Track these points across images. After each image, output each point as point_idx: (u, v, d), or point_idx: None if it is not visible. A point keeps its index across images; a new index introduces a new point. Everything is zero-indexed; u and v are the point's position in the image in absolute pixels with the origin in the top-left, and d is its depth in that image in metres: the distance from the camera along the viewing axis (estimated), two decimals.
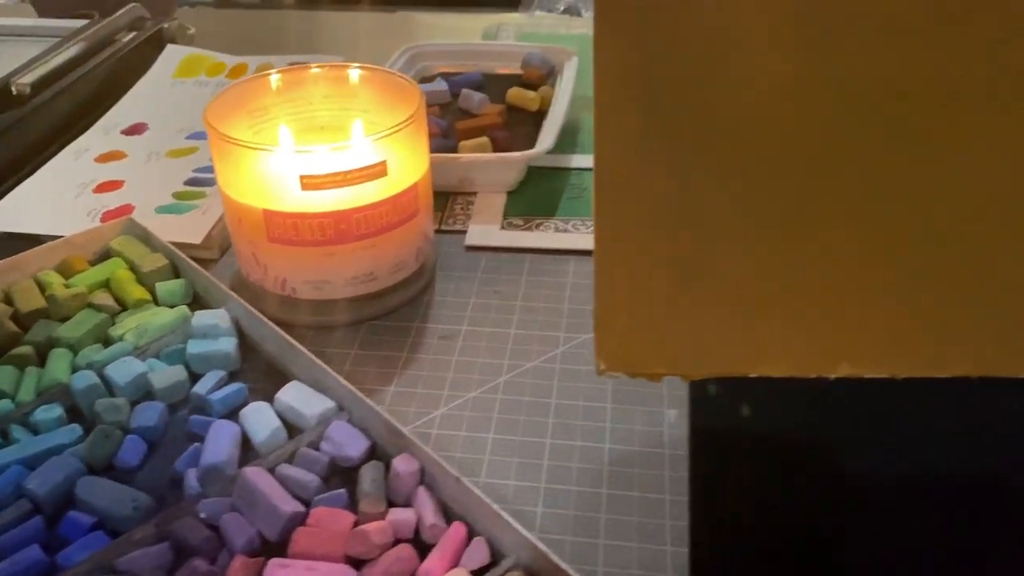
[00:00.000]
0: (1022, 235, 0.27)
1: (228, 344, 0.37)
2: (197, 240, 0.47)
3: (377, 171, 0.40)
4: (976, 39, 0.27)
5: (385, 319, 0.44)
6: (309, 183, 0.39)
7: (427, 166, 0.43)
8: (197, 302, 0.42)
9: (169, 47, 0.68)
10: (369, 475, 0.31)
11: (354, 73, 0.44)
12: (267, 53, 0.71)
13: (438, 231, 0.51)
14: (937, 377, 0.27)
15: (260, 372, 0.38)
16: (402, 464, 0.31)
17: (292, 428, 0.35)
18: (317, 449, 0.33)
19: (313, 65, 0.44)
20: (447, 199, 0.54)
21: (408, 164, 0.42)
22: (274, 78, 0.43)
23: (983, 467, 0.29)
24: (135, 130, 0.59)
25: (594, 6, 0.28)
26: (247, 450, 0.34)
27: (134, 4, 0.70)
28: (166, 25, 0.70)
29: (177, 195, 0.51)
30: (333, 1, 1.39)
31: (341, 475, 0.33)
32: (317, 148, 0.39)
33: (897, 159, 0.27)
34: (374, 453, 0.33)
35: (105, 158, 0.55)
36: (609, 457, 0.36)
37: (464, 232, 0.50)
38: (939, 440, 0.28)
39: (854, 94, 0.28)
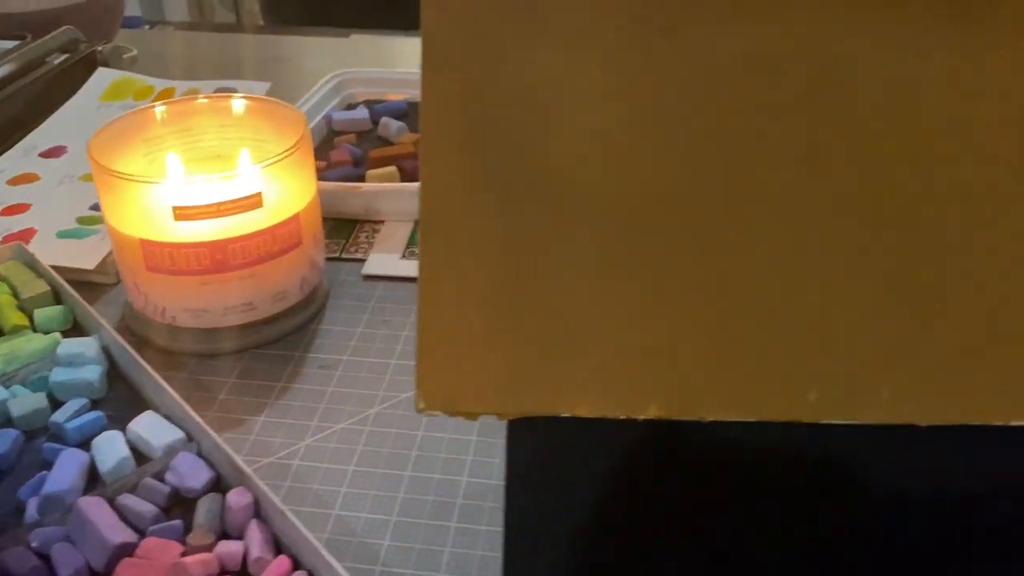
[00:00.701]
0: (821, 286, 0.28)
1: (93, 372, 0.37)
2: (91, 266, 0.47)
3: (252, 202, 0.40)
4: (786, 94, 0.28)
5: (269, 347, 0.44)
6: (182, 214, 0.39)
7: (312, 195, 0.44)
8: (76, 329, 0.42)
9: (100, 70, 0.69)
10: (205, 507, 0.32)
11: (239, 103, 0.44)
12: (206, 77, 0.72)
13: (339, 259, 0.51)
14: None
15: (124, 401, 0.38)
16: (235, 497, 0.31)
17: (143, 458, 0.35)
18: (162, 479, 0.33)
19: (200, 96, 0.44)
20: (354, 227, 0.54)
21: (289, 194, 0.42)
22: (159, 109, 0.44)
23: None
24: (53, 153, 0.60)
25: (422, 45, 0.29)
26: (94, 479, 0.34)
27: (67, 27, 0.71)
28: (100, 48, 0.71)
29: (80, 220, 0.51)
30: (303, 23, 1.40)
31: (184, 506, 0.33)
32: (190, 179, 0.40)
33: (712, 205, 0.28)
34: (218, 485, 0.33)
35: (16, 180, 0.56)
36: (465, 491, 0.37)
37: (364, 260, 0.51)
38: (746, 478, 0.29)
39: (670, 143, 0.28)
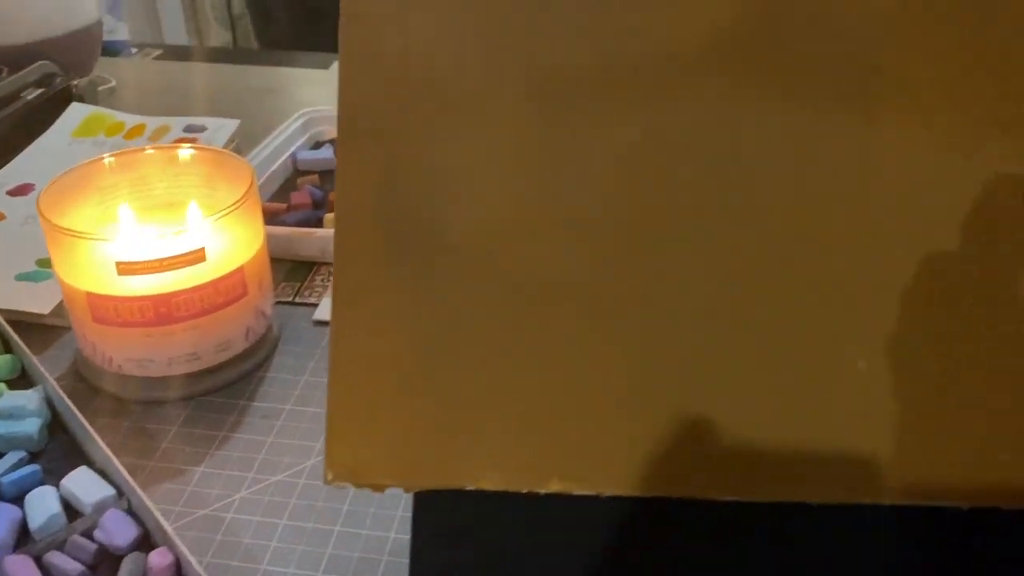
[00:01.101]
0: (719, 366, 0.28)
1: (32, 425, 0.38)
2: (45, 310, 0.48)
3: (195, 257, 0.41)
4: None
5: (215, 395, 0.45)
6: (126, 269, 0.40)
7: (260, 245, 0.45)
8: (24, 378, 0.43)
9: (73, 105, 0.70)
10: (127, 567, 0.32)
11: (187, 153, 0.45)
12: (182, 110, 0.73)
13: (292, 303, 0.52)
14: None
15: (62, 453, 0.39)
16: (157, 558, 0.32)
17: (75, 513, 0.36)
18: (91, 536, 0.34)
19: (148, 147, 0.45)
20: (310, 269, 0.55)
21: (233, 247, 0.43)
22: (108, 160, 0.45)
23: None
24: (21, 191, 0.61)
25: (338, 119, 0.30)
26: (26, 535, 0.35)
27: (43, 62, 0.72)
28: (75, 83, 0.72)
29: (40, 262, 0.52)
30: (293, 47, 1.41)
31: (111, 563, 0.34)
32: (133, 235, 0.40)
33: (610, 284, 0.29)
34: (145, 542, 0.34)
35: None
36: (391, 547, 0.38)
37: (317, 305, 0.52)
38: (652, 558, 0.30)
39: (571, 224, 0.29)
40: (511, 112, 0.30)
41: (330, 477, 0.30)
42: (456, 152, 0.30)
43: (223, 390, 0.45)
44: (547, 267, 0.29)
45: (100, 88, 0.78)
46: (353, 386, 0.30)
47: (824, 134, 0.29)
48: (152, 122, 0.69)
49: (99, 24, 0.81)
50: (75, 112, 0.69)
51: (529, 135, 0.29)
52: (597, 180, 0.29)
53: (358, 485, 0.30)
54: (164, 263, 0.41)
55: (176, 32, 1.91)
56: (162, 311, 0.42)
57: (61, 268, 0.42)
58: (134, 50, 1.23)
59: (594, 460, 0.29)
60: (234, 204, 0.42)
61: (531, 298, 0.29)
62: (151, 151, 0.45)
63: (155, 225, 0.45)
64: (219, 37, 2.01)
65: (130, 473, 0.41)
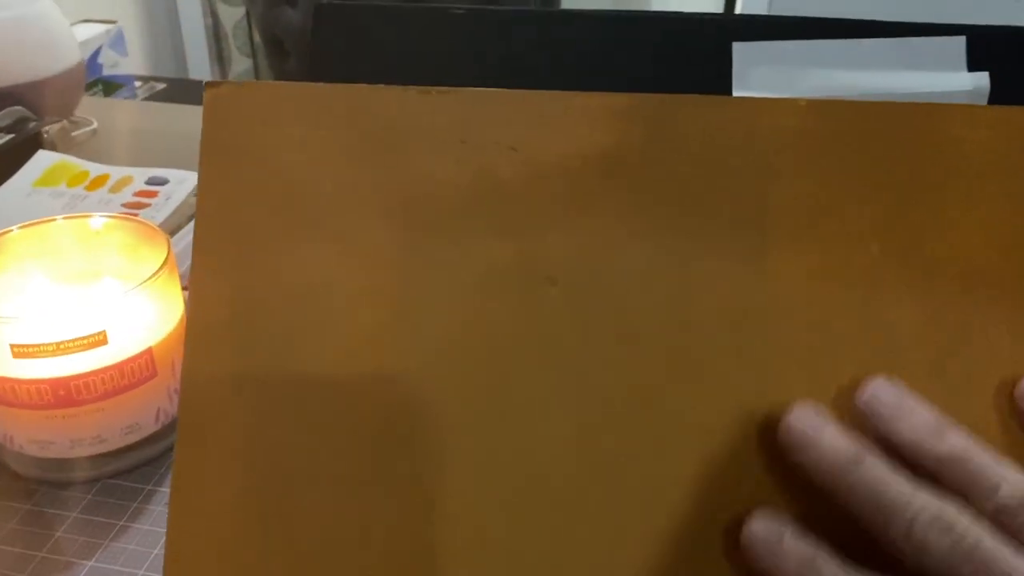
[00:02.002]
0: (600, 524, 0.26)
1: None
2: None
3: (94, 341, 0.39)
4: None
5: (123, 477, 0.43)
6: (20, 352, 0.39)
7: (176, 323, 0.43)
8: None
9: (40, 153, 0.69)
10: None
11: (99, 223, 0.44)
12: (156, 159, 0.72)
13: None
14: None
15: None
16: None
17: None
18: None
19: (59, 217, 0.44)
20: None
21: (142, 327, 0.41)
22: (15, 232, 0.43)
23: None
24: None
25: (194, 228, 0.28)
26: None
27: (15, 107, 0.71)
28: (46, 129, 0.72)
29: None
30: (305, 77, 1.41)
31: None
32: (30, 316, 0.39)
33: (479, 424, 0.27)
34: None
35: None
36: None
37: None
38: None
39: (431, 352, 0.27)
40: (372, 233, 0.28)
41: None
42: (313, 274, 0.28)
43: (131, 472, 0.44)
44: (405, 398, 0.27)
45: (79, 132, 0.78)
46: (191, 529, 0.28)
47: (709, 267, 0.26)
48: (116, 172, 0.68)
49: (80, 67, 0.80)
50: (41, 160, 0.69)
51: (390, 256, 0.27)
52: (463, 304, 0.27)
53: None
54: (60, 347, 0.39)
55: (201, 63, 1.93)
56: (61, 394, 0.40)
57: None
58: (137, 83, 1.24)
59: None
60: (142, 282, 0.41)
61: (385, 430, 0.27)
62: (62, 221, 0.44)
63: (62, 302, 0.43)
64: (240, 64, 2.03)
65: (18, 566, 0.39)
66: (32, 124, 0.72)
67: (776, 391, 0.26)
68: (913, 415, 0.24)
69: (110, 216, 0.44)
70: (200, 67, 1.88)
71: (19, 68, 0.74)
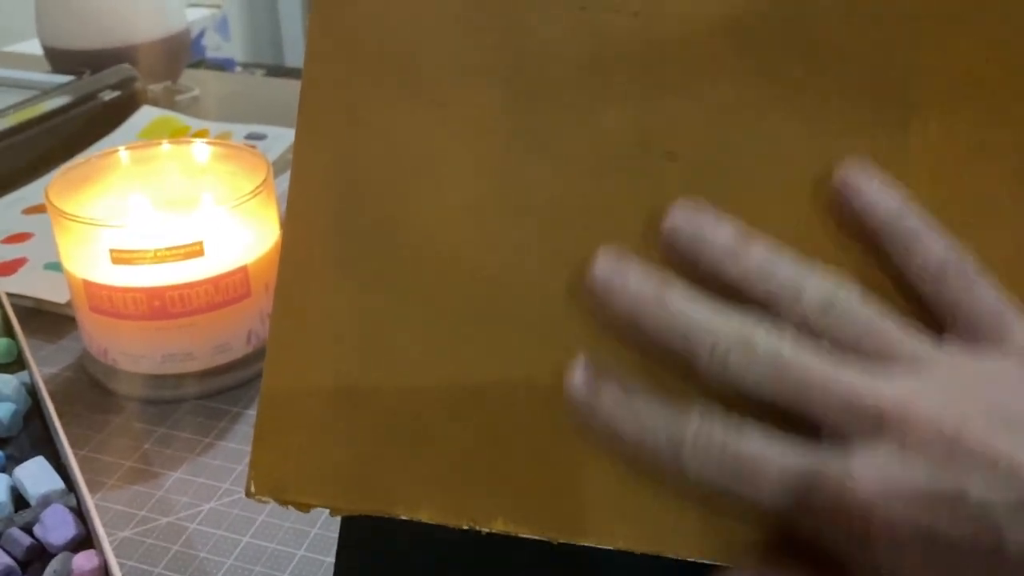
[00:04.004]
0: None
1: (5, 410, 0.37)
2: (62, 300, 0.47)
3: (191, 251, 0.39)
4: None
5: (210, 399, 0.43)
6: (119, 258, 0.39)
7: (272, 245, 0.43)
8: (18, 362, 0.42)
9: (144, 108, 0.71)
10: (53, 567, 0.30)
11: (205, 149, 0.44)
12: (255, 121, 0.73)
13: None
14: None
15: (32, 442, 0.37)
16: (82, 560, 0.30)
17: (25, 504, 0.34)
18: (30, 530, 0.32)
19: (164, 141, 0.44)
20: None
21: (238, 244, 0.41)
22: (123, 154, 0.44)
23: None
24: None
25: (299, 104, 0.27)
26: None
27: (123, 65, 0.73)
28: (151, 88, 0.73)
29: None
30: None
31: (44, 561, 0.31)
32: (131, 224, 0.39)
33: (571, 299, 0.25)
34: (86, 542, 0.32)
35: (31, 210, 0.58)
36: None
37: None
38: None
39: (539, 228, 0.25)
40: (482, 100, 0.26)
41: (252, 490, 0.27)
42: (419, 143, 0.26)
43: (219, 395, 0.43)
44: (507, 281, 0.26)
45: (182, 96, 0.79)
46: (286, 395, 0.27)
47: (848, 143, 0.24)
48: (215, 127, 0.69)
49: (186, 33, 0.82)
50: (145, 114, 0.70)
51: (499, 124, 0.26)
52: (573, 177, 0.26)
53: (282, 502, 0.27)
54: (158, 254, 0.39)
55: (298, 51, 1.96)
56: (156, 305, 0.40)
57: (64, 255, 0.41)
58: (238, 68, 1.27)
59: (548, 501, 0.25)
60: (240, 198, 0.40)
61: (490, 314, 0.26)
62: (167, 146, 0.44)
63: (164, 218, 0.44)
64: None
65: (105, 472, 0.39)
66: (137, 83, 0.74)
67: None
68: (713, 236, 0.22)
69: (214, 142, 0.44)
70: (297, 55, 1.92)
71: (127, 29, 0.76)
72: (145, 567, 0.34)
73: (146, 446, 0.40)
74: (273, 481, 0.26)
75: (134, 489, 0.38)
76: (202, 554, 0.35)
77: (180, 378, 0.42)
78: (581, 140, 0.25)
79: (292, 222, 0.27)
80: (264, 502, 0.26)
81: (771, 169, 0.24)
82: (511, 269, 0.25)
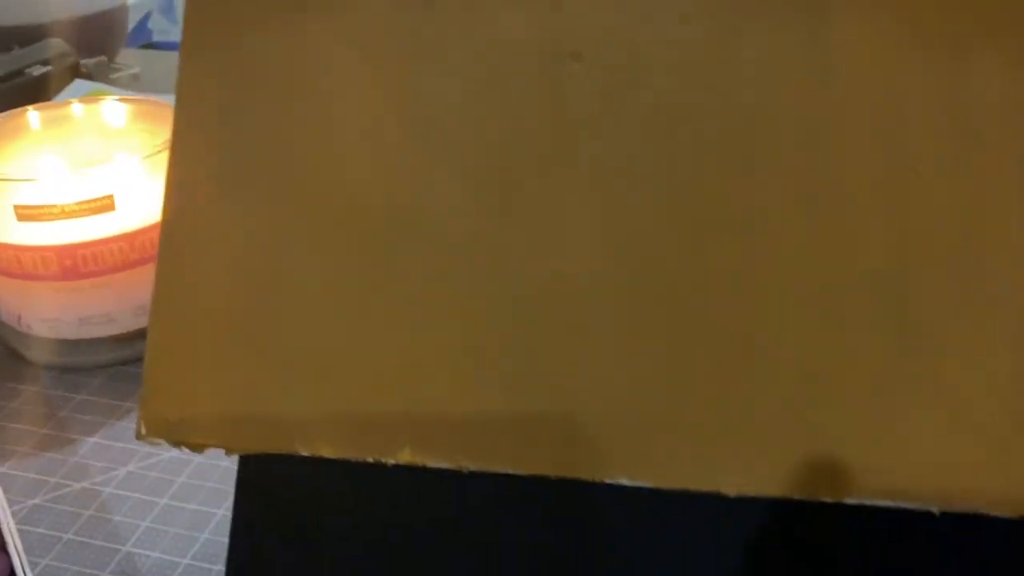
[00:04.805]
0: (597, 328, 0.22)
1: None
2: None
3: (101, 205, 0.37)
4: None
5: (131, 365, 0.41)
6: (24, 214, 0.37)
7: None
8: None
9: (76, 81, 0.68)
10: None
11: (120, 107, 0.42)
12: None
13: None
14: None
15: None
16: None
17: None
18: None
19: (74, 101, 0.42)
20: None
21: (154, 199, 0.39)
22: (32, 115, 0.42)
23: None
24: None
25: (183, 24, 0.26)
26: None
27: (54, 39, 0.71)
28: (84, 63, 0.71)
29: None
30: None
31: None
32: (37, 179, 0.37)
33: (480, 228, 0.23)
34: None
35: None
36: None
37: None
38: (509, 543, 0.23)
39: (438, 147, 0.24)
40: (372, 6, 0.25)
41: (143, 432, 0.25)
42: (308, 56, 0.25)
43: (141, 360, 0.41)
44: (408, 200, 0.24)
45: (120, 73, 0.77)
46: (176, 331, 0.25)
47: (758, 38, 0.23)
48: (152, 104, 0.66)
49: (122, 10, 0.80)
50: (77, 88, 0.68)
51: (391, 34, 0.24)
52: (471, 88, 0.24)
53: (174, 443, 0.25)
54: (66, 210, 0.37)
55: None
56: (68, 264, 0.38)
57: None
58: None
59: (457, 428, 0.23)
60: (153, 149, 0.38)
61: (393, 237, 0.24)
62: (78, 106, 0.42)
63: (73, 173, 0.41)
64: None
65: (16, 441, 0.37)
66: (71, 58, 0.71)
67: (837, 174, 0.22)
68: None
69: (127, 99, 0.42)
70: None
71: (57, 4, 0.74)
72: (54, 533, 0.32)
73: (62, 413, 0.38)
74: (164, 421, 0.25)
75: (47, 456, 0.36)
76: (116, 518, 0.33)
77: (99, 342, 0.40)
78: (479, 45, 0.24)
79: (177, 145, 0.25)
80: (156, 443, 0.25)
81: (679, 71, 0.23)
82: (412, 188, 0.24)
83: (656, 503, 0.21)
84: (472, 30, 0.24)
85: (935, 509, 0.21)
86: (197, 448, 0.24)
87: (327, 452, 0.23)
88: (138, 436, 0.25)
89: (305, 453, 0.23)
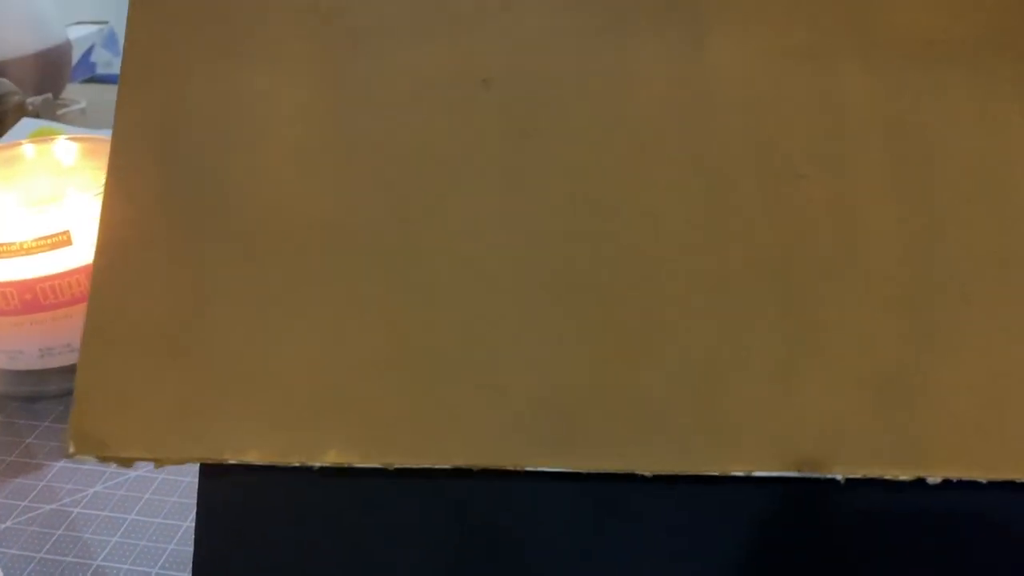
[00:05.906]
0: (518, 328, 0.25)
1: None
2: None
3: (59, 241, 0.39)
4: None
5: None
6: None
7: None
8: None
9: (24, 120, 0.70)
10: None
11: (71, 146, 0.44)
12: None
13: None
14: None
15: None
16: None
17: None
18: None
19: (25, 142, 0.44)
20: None
21: None
22: None
23: None
24: None
25: (122, 60, 0.28)
26: None
27: (2, 79, 0.72)
28: (30, 101, 0.72)
29: None
30: None
31: None
32: None
33: (408, 238, 0.26)
34: None
35: None
36: None
37: None
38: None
39: (368, 168, 0.26)
40: (295, 45, 0.27)
41: (71, 450, 0.26)
42: (238, 90, 0.27)
43: None
44: (331, 215, 0.26)
45: (67, 109, 0.78)
46: (105, 350, 0.26)
47: (645, 55, 0.26)
48: (102, 137, 0.68)
49: (66, 46, 0.81)
50: (24, 127, 0.69)
51: (314, 68, 0.27)
52: (393, 115, 0.27)
53: (103, 459, 0.26)
54: (24, 247, 0.39)
55: None
56: (28, 298, 0.40)
57: None
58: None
59: (381, 427, 0.26)
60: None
61: (312, 248, 0.26)
62: (29, 147, 0.44)
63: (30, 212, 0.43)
64: None
65: None
66: (16, 96, 0.73)
67: (724, 177, 0.25)
68: None
69: (77, 138, 0.44)
70: None
71: (5, 42, 0.75)
72: (28, 554, 0.34)
73: (29, 440, 0.40)
74: (93, 439, 0.25)
75: (16, 482, 0.38)
76: (86, 535, 0.35)
77: (61, 371, 0.42)
78: (397, 74, 0.26)
79: (115, 164, 0.27)
80: (84, 461, 0.26)
81: (577, 90, 0.26)
82: (335, 204, 0.26)
83: (593, 491, 0.24)
84: (390, 60, 0.26)
85: (840, 476, 0.23)
86: (125, 463, 0.25)
87: (255, 458, 0.25)
88: (68, 455, 0.26)
89: (233, 461, 0.24)
